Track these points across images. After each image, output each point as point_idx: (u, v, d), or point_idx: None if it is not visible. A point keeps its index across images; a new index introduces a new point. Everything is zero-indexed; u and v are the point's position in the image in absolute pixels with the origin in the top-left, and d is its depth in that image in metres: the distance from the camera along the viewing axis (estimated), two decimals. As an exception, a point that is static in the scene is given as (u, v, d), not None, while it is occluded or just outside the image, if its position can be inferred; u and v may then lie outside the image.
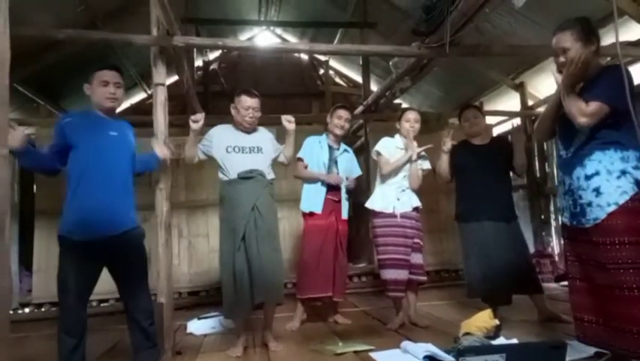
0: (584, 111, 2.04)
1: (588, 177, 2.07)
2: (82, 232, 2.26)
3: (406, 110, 3.55)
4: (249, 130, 3.04)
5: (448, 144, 3.37)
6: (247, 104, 2.98)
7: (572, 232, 2.20)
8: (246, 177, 2.90)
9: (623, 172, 2.02)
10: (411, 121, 3.38)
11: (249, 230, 2.81)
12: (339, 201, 3.59)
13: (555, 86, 2.30)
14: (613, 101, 2.02)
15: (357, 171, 3.81)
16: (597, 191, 2.04)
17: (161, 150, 2.76)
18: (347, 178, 3.63)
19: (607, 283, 2.01)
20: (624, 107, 1.96)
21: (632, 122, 1.97)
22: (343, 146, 3.75)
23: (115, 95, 2.44)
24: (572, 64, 2.08)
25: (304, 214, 3.58)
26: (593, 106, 2.03)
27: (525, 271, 3.22)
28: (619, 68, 2.01)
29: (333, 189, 3.57)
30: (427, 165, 3.45)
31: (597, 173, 2.05)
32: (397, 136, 3.49)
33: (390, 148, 3.43)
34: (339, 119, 3.63)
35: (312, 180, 3.56)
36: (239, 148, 2.96)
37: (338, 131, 3.63)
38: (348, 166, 3.72)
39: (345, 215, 3.63)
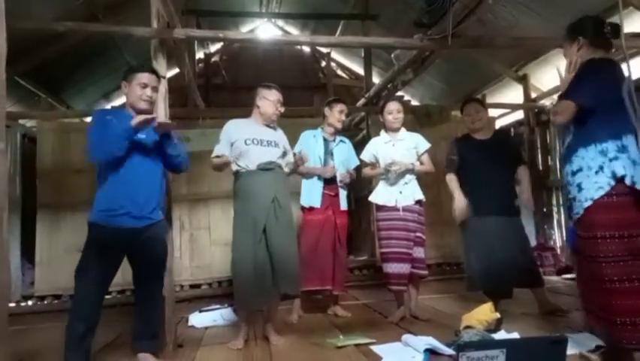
0: (553, 110, 2.14)
1: (574, 173, 2.14)
2: (110, 220, 2.35)
3: (386, 102, 3.47)
4: (270, 124, 3.03)
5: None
6: (276, 98, 2.98)
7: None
8: (266, 168, 2.88)
9: (601, 167, 2.06)
10: (393, 113, 3.34)
11: (270, 222, 2.80)
12: (337, 195, 3.60)
13: (557, 79, 2.31)
14: (578, 98, 2.06)
15: (354, 162, 3.78)
16: (579, 187, 2.11)
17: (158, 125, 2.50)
18: (347, 171, 3.63)
19: (589, 274, 2.09)
20: (590, 103, 2.03)
21: (608, 113, 2.04)
22: (339, 137, 3.74)
23: (151, 99, 2.51)
24: (568, 68, 2.19)
25: (303, 209, 3.60)
26: (560, 104, 2.11)
27: (526, 265, 3.22)
28: (592, 63, 2.07)
29: (329, 183, 3.58)
30: (423, 147, 3.36)
31: (580, 169, 2.11)
32: (383, 131, 3.46)
33: (377, 148, 3.41)
34: (341, 113, 3.64)
35: (309, 175, 3.58)
36: (257, 140, 2.92)
37: (338, 125, 3.64)
38: (346, 157, 3.71)
39: (343, 206, 3.64)
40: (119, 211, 2.36)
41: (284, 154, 3.03)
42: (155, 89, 2.53)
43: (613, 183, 2.02)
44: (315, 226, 3.51)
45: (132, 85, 2.47)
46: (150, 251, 2.51)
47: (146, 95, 2.47)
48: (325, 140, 3.66)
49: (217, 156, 2.94)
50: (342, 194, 3.65)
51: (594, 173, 2.05)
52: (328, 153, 3.64)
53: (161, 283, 2.64)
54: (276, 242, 2.79)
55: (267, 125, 3.03)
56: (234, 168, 2.96)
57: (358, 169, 3.68)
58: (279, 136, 3.07)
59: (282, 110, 3.04)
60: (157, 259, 2.57)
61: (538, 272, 3.33)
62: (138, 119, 2.35)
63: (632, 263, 1.98)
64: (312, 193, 3.56)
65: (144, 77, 2.47)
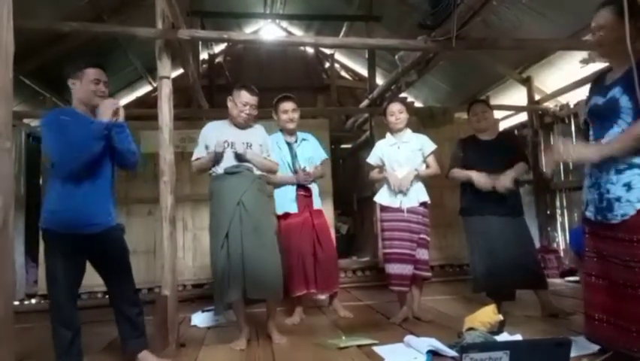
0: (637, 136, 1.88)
1: (619, 171, 1.96)
2: (63, 227, 2.29)
3: (388, 104, 3.46)
4: (243, 126, 2.99)
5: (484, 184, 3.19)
6: (245, 100, 2.92)
7: (595, 227, 2.11)
8: (233, 171, 2.86)
9: None
10: (395, 113, 3.33)
11: (234, 226, 2.77)
12: (310, 196, 3.56)
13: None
14: None
15: (320, 155, 3.72)
16: (628, 186, 1.93)
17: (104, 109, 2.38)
18: (304, 169, 3.52)
19: (627, 282, 1.94)
20: None
21: None
22: (300, 135, 3.66)
23: (105, 94, 2.44)
24: (599, 42, 1.95)
25: (278, 216, 3.53)
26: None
27: (529, 266, 3.20)
28: None
29: (301, 185, 3.54)
30: (428, 149, 3.35)
31: (630, 167, 1.94)
32: (388, 134, 3.45)
33: (382, 150, 3.40)
34: (286, 113, 3.52)
35: (281, 184, 3.53)
36: (228, 143, 2.90)
37: (290, 125, 3.54)
38: (310, 154, 3.64)
39: (317, 205, 3.59)
40: (76, 217, 2.29)
41: (261, 152, 2.99)
42: (106, 84, 2.44)
43: None
44: (293, 231, 3.45)
45: (83, 81, 2.38)
46: (112, 256, 2.47)
47: (100, 91, 2.41)
48: (288, 143, 3.57)
49: (197, 159, 2.97)
50: (316, 193, 3.60)
51: None
52: (294, 157, 3.56)
53: (131, 282, 2.57)
54: (238, 247, 2.75)
55: (239, 127, 2.98)
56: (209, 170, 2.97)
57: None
58: (254, 135, 2.99)
59: (253, 112, 2.96)
60: (120, 262, 2.51)
61: (541, 274, 3.32)
62: (106, 107, 2.28)
63: None
64: (285, 200, 3.50)
65: (96, 72, 2.40)
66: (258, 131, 3.06)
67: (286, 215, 3.49)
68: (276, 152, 3.48)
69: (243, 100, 2.92)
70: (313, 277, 3.47)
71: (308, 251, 3.47)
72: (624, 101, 1.98)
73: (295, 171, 3.54)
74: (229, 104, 2.99)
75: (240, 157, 2.88)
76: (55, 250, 2.32)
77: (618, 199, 1.96)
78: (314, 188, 3.60)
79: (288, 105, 3.53)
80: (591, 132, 2.18)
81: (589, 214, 2.13)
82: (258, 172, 2.96)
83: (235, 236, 2.77)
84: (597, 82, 2.22)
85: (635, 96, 1.90)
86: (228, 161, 2.88)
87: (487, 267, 3.16)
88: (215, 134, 2.94)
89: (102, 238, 2.38)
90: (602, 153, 1.99)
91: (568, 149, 2.07)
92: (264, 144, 3.04)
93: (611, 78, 2.10)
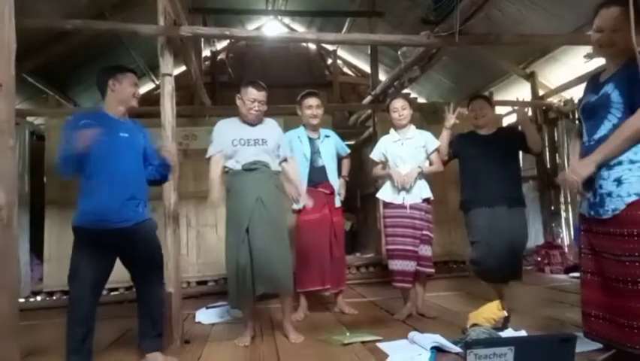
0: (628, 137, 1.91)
1: (610, 167, 1.98)
2: (94, 223, 2.34)
3: (391, 100, 3.45)
4: (254, 122, 2.98)
5: (451, 120, 3.29)
6: (253, 97, 2.91)
7: (589, 223, 2.12)
8: (250, 168, 2.87)
9: None
10: (398, 110, 3.32)
11: (253, 222, 2.78)
12: (332, 193, 3.56)
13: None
14: None
15: (343, 151, 3.77)
16: (618, 181, 1.94)
17: (167, 152, 2.64)
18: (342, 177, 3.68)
19: (619, 276, 1.94)
20: None
21: None
22: (324, 132, 3.67)
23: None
24: (599, 42, 1.93)
25: (295, 211, 3.53)
26: None
27: (511, 257, 3.11)
28: None
29: (325, 180, 3.53)
30: (432, 146, 3.35)
31: (619, 163, 1.95)
32: (392, 130, 3.44)
33: (386, 146, 3.40)
34: (310, 108, 3.53)
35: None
36: (244, 141, 2.90)
37: (314, 121, 3.55)
38: (333, 152, 3.66)
39: (338, 204, 3.61)
40: (105, 213, 2.34)
41: (277, 147, 2.99)
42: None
43: None
44: (312, 226, 3.45)
45: (124, 84, 2.50)
46: (143, 251, 2.50)
47: (138, 94, 2.58)
48: (310, 139, 3.58)
49: (212, 156, 2.92)
50: (337, 191, 3.61)
51: (638, 167, 1.92)
52: (316, 152, 3.57)
53: (160, 281, 2.63)
54: (258, 242, 2.75)
55: (251, 124, 2.97)
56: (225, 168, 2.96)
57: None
58: (268, 131, 2.99)
59: (262, 108, 2.95)
60: (151, 258, 2.55)
61: (518, 267, 3.20)
62: (173, 155, 2.61)
63: None
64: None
65: (134, 77, 2.57)
66: (270, 126, 3.04)
67: (304, 210, 3.41)
68: (297, 145, 3.51)
69: (251, 97, 2.91)
70: (329, 274, 3.48)
71: (325, 248, 3.48)
72: (615, 96, 2.00)
73: (312, 165, 3.53)
74: (238, 102, 2.98)
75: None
76: (82, 246, 2.37)
77: (609, 194, 1.98)
78: (336, 186, 3.60)
79: (312, 101, 3.54)
80: (584, 130, 2.17)
81: (583, 210, 2.16)
82: (274, 169, 2.97)
83: (256, 232, 2.78)
84: (592, 81, 2.23)
85: (626, 91, 1.92)
86: (245, 157, 2.88)
87: (479, 253, 3.10)
88: (228, 133, 2.93)
89: (132, 232, 2.43)
90: (596, 161, 2.00)
91: (572, 175, 2.07)
92: (279, 140, 3.03)
93: (605, 76, 2.11)
